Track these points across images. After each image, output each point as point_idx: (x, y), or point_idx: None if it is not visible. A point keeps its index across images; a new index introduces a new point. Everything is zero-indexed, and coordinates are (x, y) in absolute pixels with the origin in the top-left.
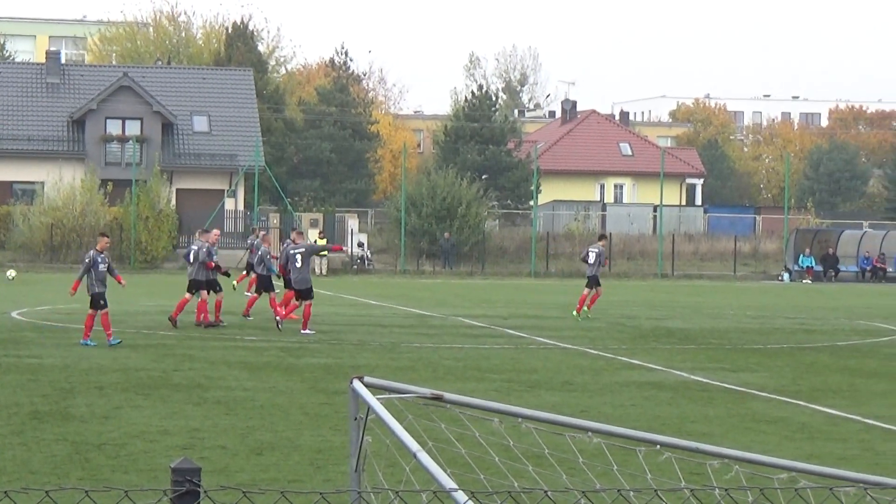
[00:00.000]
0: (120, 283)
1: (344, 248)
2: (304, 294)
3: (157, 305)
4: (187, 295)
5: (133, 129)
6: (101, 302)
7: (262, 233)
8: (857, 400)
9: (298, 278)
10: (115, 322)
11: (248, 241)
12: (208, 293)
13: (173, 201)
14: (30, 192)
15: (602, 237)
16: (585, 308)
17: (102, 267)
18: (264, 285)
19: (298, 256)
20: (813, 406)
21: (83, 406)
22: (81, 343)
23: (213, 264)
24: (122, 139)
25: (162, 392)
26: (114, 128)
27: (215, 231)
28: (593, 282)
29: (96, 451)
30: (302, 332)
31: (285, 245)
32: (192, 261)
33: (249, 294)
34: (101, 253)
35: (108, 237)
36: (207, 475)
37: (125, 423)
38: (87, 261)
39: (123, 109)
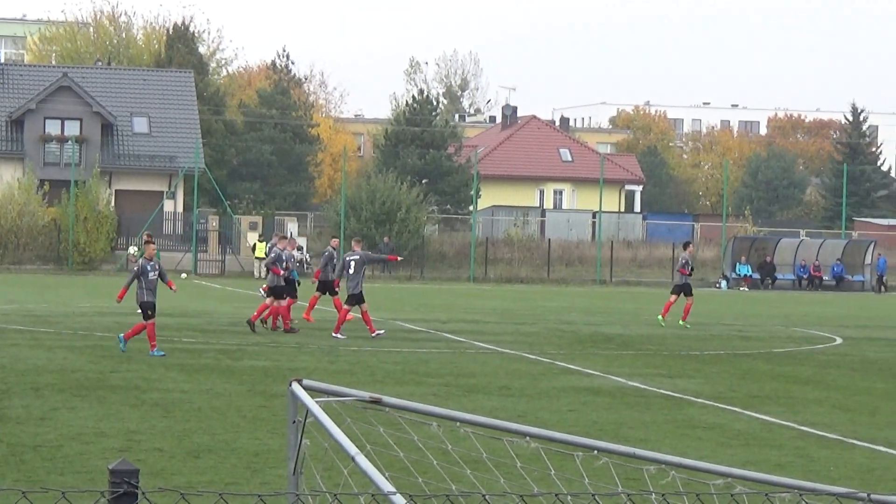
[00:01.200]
0: (171, 288)
1: (399, 259)
2: (356, 299)
3: (95, 307)
4: (269, 300)
5: (72, 129)
6: (150, 311)
7: (281, 236)
8: (793, 407)
9: (351, 284)
10: (50, 324)
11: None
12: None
13: (112, 202)
14: None
15: (687, 245)
16: (681, 320)
17: (153, 275)
18: (289, 290)
19: (353, 264)
20: (749, 413)
21: (19, 407)
22: (150, 354)
23: (279, 270)
24: (62, 139)
25: (99, 393)
26: (53, 128)
27: (293, 238)
28: (683, 289)
29: (32, 453)
30: (334, 335)
31: (326, 252)
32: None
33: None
34: (151, 261)
35: (153, 244)
36: (144, 477)
37: (61, 425)
38: (135, 269)
39: (63, 110)
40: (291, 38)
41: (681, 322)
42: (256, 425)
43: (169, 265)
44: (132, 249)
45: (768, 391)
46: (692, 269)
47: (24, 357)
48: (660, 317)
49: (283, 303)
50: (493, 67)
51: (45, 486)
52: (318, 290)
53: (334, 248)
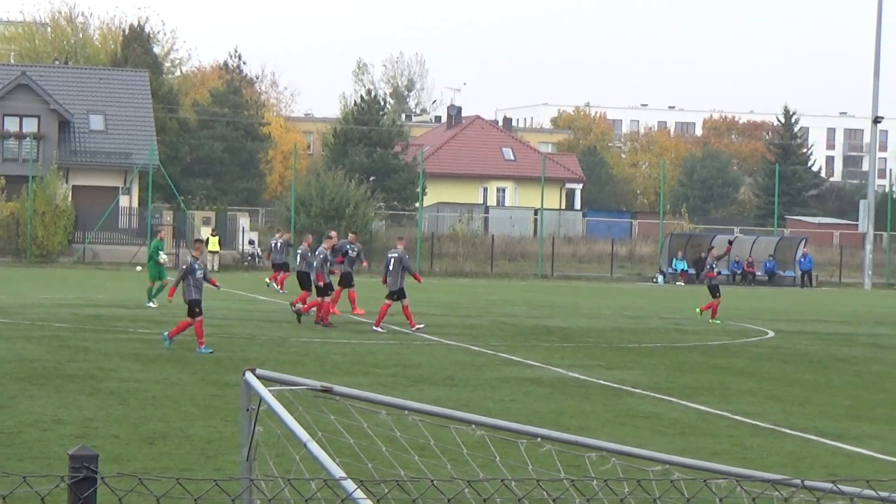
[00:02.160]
0: (215, 286)
1: (420, 281)
2: (397, 294)
3: (52, 298)
4: (318, 297)
5: (30, 126)
6: (197, 309)
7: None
8: (727, 397)
9: (391, 281)
10: (9, 314)
11: (271, 242)
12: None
13: (69, 197)
14: None
15: (710, 249)
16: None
17: (199, 274)
18: (304, 283)
19: (392, 261)
20: (685, 403)
21: None
22: (197, 351)
23: (322, 277)
24: (20, 136)
25: (56, 382)
26: (11, 125)
27: (333, 234)
28: (712, 289)
29: None
30: (374, 328)
31: (340, 244)
32: (317, 265)
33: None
34: (198, 259)
35: (202, 242)
36: (101, 463)
37: (20, 412)
38: (184, 267)
39: (21, 107)
40: (243, 39)
41: (701, 316)
42: (210, 413)
43: (124, 258)
44: (163, 256)
45: (704, 382)
46: (718, 271)
47: None
48: (711, 319)
49: (328, 299)
50: (438, 69)
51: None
52: (340, 284)
53: (351, 243)
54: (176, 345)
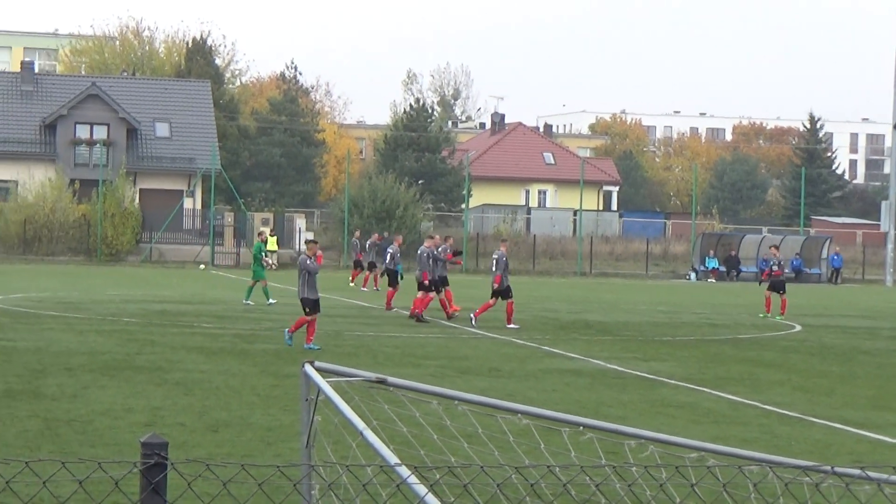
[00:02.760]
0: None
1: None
2: (504, 293)
3: (121, 294)
4: (431, 294)
5: (100, 133)
6: (307, 308)
7: (395, 235)
8: (757, 388)
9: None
10: (81, 310)
11: (352, 242)
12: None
13: (137, 200)
14: (4, 190)
15: (771, 246)
16: (776, 313)
17: (314, 273)
18: (393, 280)
19: (500, 261)
20: (717, 393)
21: (53, 385)
22: (305, 347)
23: (427, 275)
24: (90, 143)
25: (126, 373)
26: (82, 132)
27: (437, 237)
28: (776, 287)
29: (66, 427)
30: (473, 318)
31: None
32: (421, 263)
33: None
34: (310, 259)
35: (315, 242)
36: (169, 450)
37: (92, 402)
38: (306, 266)
39: (91, 115)
40: (299, 51)
41: (778, 317)
42: (269, 403)
43: (188, 257)
44: (268, 260)
45: (734, 373)
46: (781, 268)
47: (57, 340)
48: (779, 315)
49: (432, 294)
50: (482, 78)
51: (78, 458)
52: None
53: (436, 247)
54: (237, 338)
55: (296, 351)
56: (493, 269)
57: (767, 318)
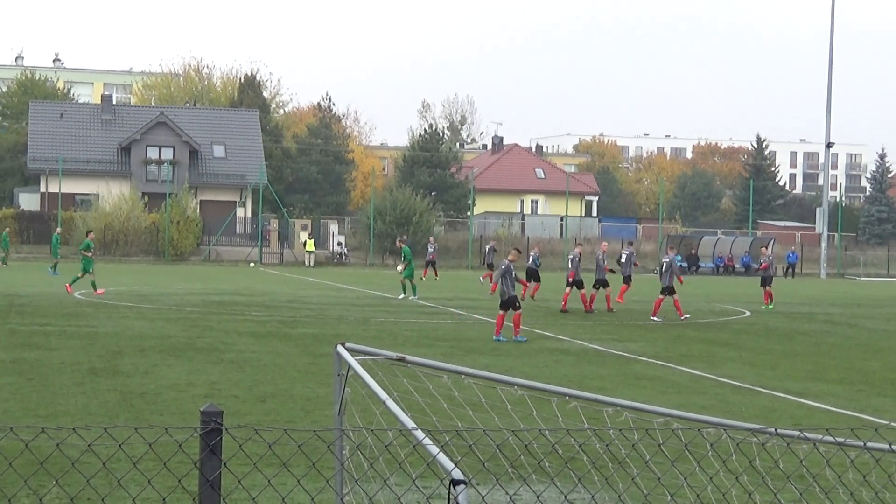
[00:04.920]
0: (524, 285)
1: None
2: (667, 291)
3: (184, 288)
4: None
5: (167, 154)
6: (516, 304)
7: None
8: (713, 363)
9: (624, 270)
10: (151, 301)
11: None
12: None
13: (198, 209)
14: (87, 202)
15: (762, 245)
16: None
17: (515, 274)
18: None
19: (664, 264)
20: (680, 368)
21: (129, 364)
22: (514, 339)
23: (609, 269)
24: (159, 162)
25: (188, 354)
26: (152, 153)
27: (579, 246)
28: (764, 280)
29: (139, 399)
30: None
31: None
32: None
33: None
34: (514, 262)
35: (520, 252)
36: (225, 417)
37: (160, 378)
38: (503, 268)
39: (160, 139)
40: (333, 85)
41: (764, 306)
42: (308, 377)
43: (240, 257)
44: (399, 267)
45: (694, 351)
46: (769, 264)
47: (131, 326)
48: (765, 306)
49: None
50: (485, 107)
51: (149, 424)
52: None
53: (579, 254)
54: (281, 324)
55: (329, 335)
56: (570, 266)
57: (769, 309)
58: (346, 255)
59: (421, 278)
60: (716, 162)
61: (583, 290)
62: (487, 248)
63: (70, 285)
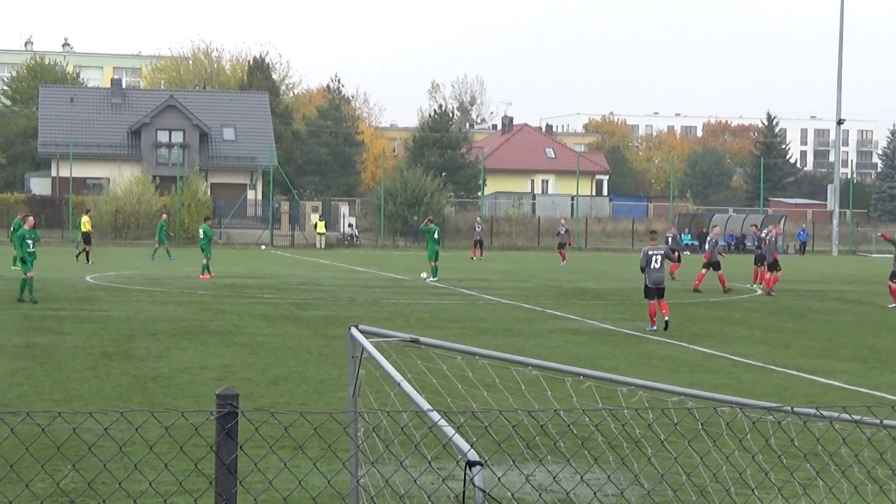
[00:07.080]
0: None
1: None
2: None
3: (196, 271)
4: (705, 271)
5: (177, 137)
6: (657, 292)
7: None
8: (725, 342)
9: (656, 278)
10: (163, 284)
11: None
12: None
13: (208, 192)
14: (98, 186)
15: (753, 225)
16: (761, 284)
17: (655, 264)
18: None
19: (658, 257)
20: (692, 346)
21: (142, 348)
22: (648, 329)
23: (710, 255)
24: (169, 145)
25: (201, 337)
26: (163, 137)
27: (666, 233)
28: (758, 259)
29: (152, 382)
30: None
31: (711, 239)
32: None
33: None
34: (657, 245)
35: (656, 236)
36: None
37: (173, 361)
38: (643, 256)
39: (170, 123)
40: (342, 66)
41: (751, 285)
42: (321, 360)
43: (251, 240)
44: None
45: (706, 330)
46: (768, 242)
47: (144, 310)
48: (751, 284)
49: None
50: (494, 87)
51: (164, 408)
52: (707, 266)
53: (717, 235)
54: (293, 307)
55: (342, 317)
56: (706, 248)
57: (754, 288)
58: (356, 236)
59: (471, 258)
60: (726, 140)
61: (720, 272)
62: (562, 229)
63: (204, 273)
